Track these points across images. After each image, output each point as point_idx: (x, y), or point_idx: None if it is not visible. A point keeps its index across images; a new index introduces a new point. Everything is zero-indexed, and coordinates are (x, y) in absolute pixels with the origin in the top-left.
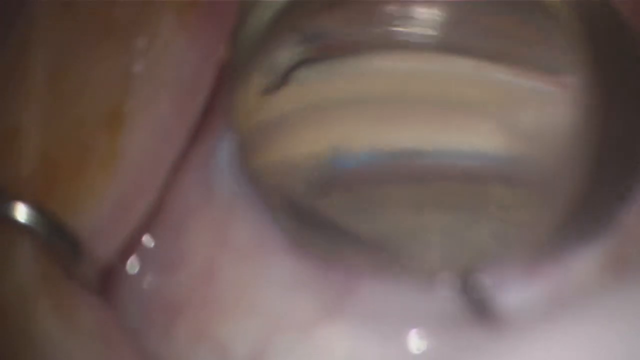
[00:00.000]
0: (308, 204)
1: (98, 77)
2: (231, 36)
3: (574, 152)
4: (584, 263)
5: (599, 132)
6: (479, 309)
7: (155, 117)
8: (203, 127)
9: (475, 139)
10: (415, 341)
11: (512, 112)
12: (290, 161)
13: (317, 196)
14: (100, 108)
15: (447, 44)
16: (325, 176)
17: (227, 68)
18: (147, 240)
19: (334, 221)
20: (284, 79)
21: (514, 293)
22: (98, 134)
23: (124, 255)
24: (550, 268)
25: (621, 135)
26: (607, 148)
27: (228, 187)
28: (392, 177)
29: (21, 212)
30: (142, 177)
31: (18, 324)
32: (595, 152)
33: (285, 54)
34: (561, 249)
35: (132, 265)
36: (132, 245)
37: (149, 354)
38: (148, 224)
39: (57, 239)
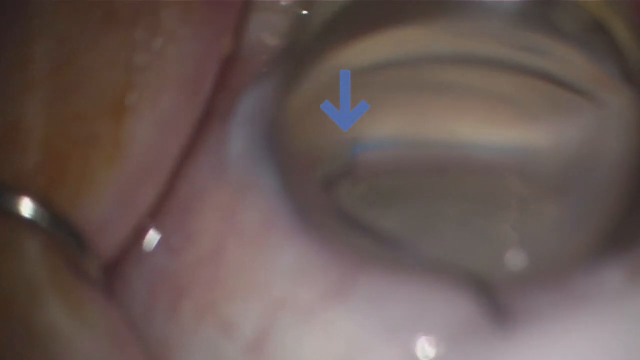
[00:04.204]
0: (326, 192)
1: (100, 68)
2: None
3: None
4: (606, 268)
5: None
6: (495, 311)
7: (159, 109)
8: (213, 114)
9: (496, 131)
10: (423, 342)
11: (539, 107)
12: (314, 146)
13: (335, 184)
14: (103, 100)
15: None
16: (344, 164)
17: (232, 59)
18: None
19: (347, 210)
20: None
21: (531, 294)
22: (101, 126)
23: (133, 238)
24: (571, 272)
25: None
26: None
27: (238, 171)
28: (411, 167)
29: (26, 207)
30: (146, 169)
31: (26, 318)
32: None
33: None
34: (585, 256)
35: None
36: (140, 230)
37: (154, 339)
38: (157, 205)
39: (63, 232)
